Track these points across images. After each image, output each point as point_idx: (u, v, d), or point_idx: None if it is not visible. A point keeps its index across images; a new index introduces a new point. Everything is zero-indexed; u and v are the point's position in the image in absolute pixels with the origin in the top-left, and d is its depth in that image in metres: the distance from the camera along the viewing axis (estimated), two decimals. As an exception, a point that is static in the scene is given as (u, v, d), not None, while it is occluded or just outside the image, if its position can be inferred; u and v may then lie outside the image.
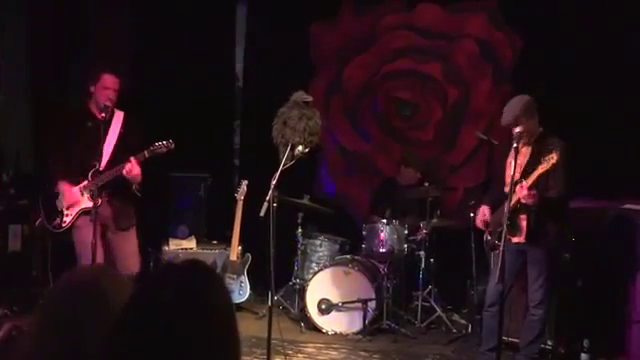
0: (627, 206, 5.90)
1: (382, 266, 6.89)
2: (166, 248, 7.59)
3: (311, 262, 7.16)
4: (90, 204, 5.45)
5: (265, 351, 5.14)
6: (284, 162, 5.11)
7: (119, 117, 5.71)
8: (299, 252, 7.15)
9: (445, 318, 6.85)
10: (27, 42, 8.15)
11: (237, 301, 6.90)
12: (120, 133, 5.65)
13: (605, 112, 7.07)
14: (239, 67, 8.87)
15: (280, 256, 5.31)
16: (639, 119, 6.93)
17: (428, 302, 6.96)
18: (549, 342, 5.86)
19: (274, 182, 5.01)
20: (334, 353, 6.09)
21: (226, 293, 1.75)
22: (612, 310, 5.85)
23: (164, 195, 7.83)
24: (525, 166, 5.16)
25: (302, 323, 6.74)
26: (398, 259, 6.94)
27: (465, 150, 8.13)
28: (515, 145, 5.06)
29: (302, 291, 6.86)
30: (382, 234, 6.90)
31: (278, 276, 5.52)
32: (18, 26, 8.08)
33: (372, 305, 6.51)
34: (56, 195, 5.62)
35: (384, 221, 6.93)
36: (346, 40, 8.49)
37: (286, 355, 5.73)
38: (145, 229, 6.01)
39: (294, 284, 7.14)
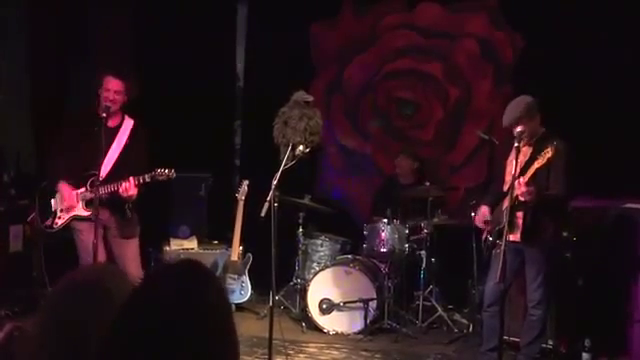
0: (628, 205, 5.90)
1: (383, 266, 6.90)
2: (167, 248, 7.59)
3: (312, 262, 7.16)
4: (85, 213, 5.45)
5: (266, 351, 5.14)
6: (285, 162, 5.11)
7: (128, 125, 5.65)
8: (300, 252, 7.15)
9: (446, 318, 6.85)
10: (27, 42, 8.15)
11: (238, 301, 6.91)
12: (126, 144, 5.59)
13: (605, 112, 7.06)
14: (240, 67, 8.86)
15: (281, 256, 5.31)
16: (639, 119, 6.93)
17: (429, 302, 6.96)
18: (550, 341, 5.87)
19: (275, 182, 5.02)
20: (335, 353, 6.10)
21: (223, 293, 1.74)
22: (613, 309, 5.86)
23: (165, 195, 7.82)
24: (524, 165, 5.15)
25: (303, 323, 6.74)
26: (399, 259, 6.93)
27: (466, 150, 8.12)
28: (516, 145, 5.05)
29: (303, 291, 6.86)
30: (383, 234, 6.90)
31: (279, 276, 5.52)
32: (18, 26, 8.08)
33: (373, 305, 6.51)
34: (53, 195, 5.59)
35: (385, 221, 6.93)
36: (347, 40, 8.48)
37: (287, 355, 5.73)
38: (146, 229, 6.00)
39: (295, 284, 7.14)
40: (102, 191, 5.35)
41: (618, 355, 5.77)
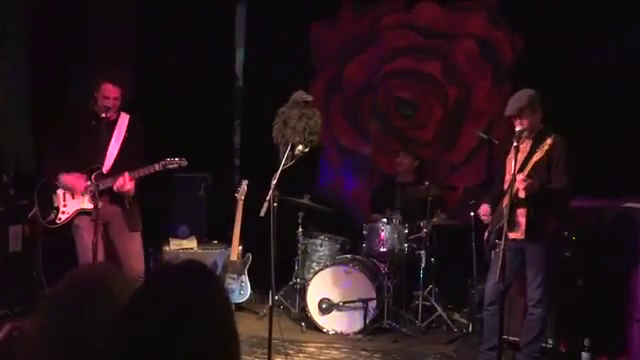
0: (628, 205, 5.90)
1: (383, 265, 6.90)
2: (167, 248, 7.59)
3: (312, 262, 7.16)
4: (90, 206, 5.44)
5: (266, 351, 5.14)
6: (284, 162, 5.11)
7: (124, 120, 5.73)
8: (299, 252, 7.15)
9: (446, 317, 6.85)
10: (27, 42, 8.15)
11: (238, 301, 6.90)
12: (124, 137, 5.67)
13: (605, 112, 7.06)
14: (239, 67, 8.87)
15: (281, 256, 5.32)
16: (639, 119, 6.93)
17: (429, 301, 6.95)
18: (550, 341, 5.87)
19: (274, 182, 5.02)
20: (335, 353, 6.10)
21: (224, 293, 1.75)
22: (613, 309, 5.85)
23: (164, 195, 7.82)
24: (523, 160, 5.15)
25: (303, 323, 6.74)
26: (399, 258, 6.94)
27: (465, 149, 8.12)
28: (515, 144, 5.06)
29: (303, 291, 6.86)
30: (382, 233, 6.90)
31: (279, 276, 5.52)
32: (18, 26, 8.07)
33: (373, 304, 6.51)
34: (54, 190, 5.59)
35: (384, 220, 6.93)
36: (346, 40, 8.49)
37: (287, 355, 5.73)
38: (145, 229, 6.00)
39: (295, 284, 7.14)
40: (102, 185, 5.42)
41: (618, 355, 5.77)
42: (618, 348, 5.77)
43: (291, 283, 7.20)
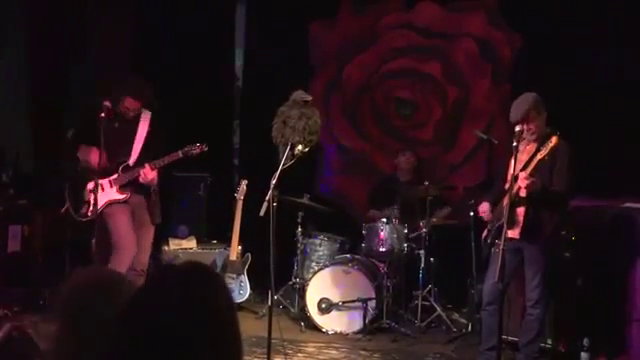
0: (627, 205, 5.90)
1: (382, 265, 6.90)
2: (166, 248, 7.59)
3: (311, 261, 7.16)
4: (120, 196, 5.92)
5: (265, 350, 5.14)
6: (284, 161, 5.10)
7: (147, 116, 6.07)
8: (299, 251, 7.15)
9: (445, 317, 6.85)
10: (26, 42, 8.15)
11: (237, 301, 6.89)
12: (148, 132, 6.04)
13: (604, 112, 7.07)
14: (238, 67, 8.86)
15: (280, 255, 5.31)
16: (638, 119, 6.93)
17: (428, 301, 6.95)
18: (549, 341, 5.86)
19: (274, 181, 5.01)
20: (334, 352, 6.10)
21: (227, 293, 1.75)
22: (612, 309, 5.85)
23: (164, 195, 7.82)
24: (528, 160, 5.14)
25: (302, 322, 6.74)
26: (398, 258, 6.94)
27: (465, 149, 8.13)
28: (515, 144, 5.05)
29: (302, 290, 6.86)
30: (382, 233, 6.90)
31: (278, 275, 5.52)
32: (18, 26, 8.07)
33: (372, 304, 6.51)
34: (83, 186, 5.87)
35: (384, 220, 6.93)
36: (345, 39, 8.49)
37: (286, 354, 5.72)
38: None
39: (294, 283, 7.14)
40: (129, 176, 5.89)
41: (617, 354, 5.77)
42: (617, 348, 5.77)
43: (290, 283, 7.19)
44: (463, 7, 8.11)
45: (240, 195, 7.05)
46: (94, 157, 5.81)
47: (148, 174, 5.81)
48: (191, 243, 7.73)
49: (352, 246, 7.30)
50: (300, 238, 7.16)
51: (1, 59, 7.80)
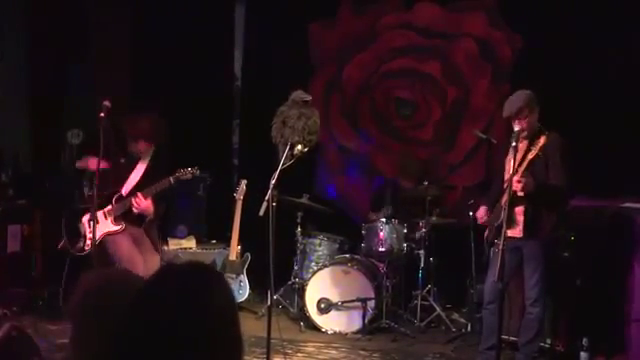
0: (626, 204, 5.90)
1: (381, 265, 6.90)
2: (165, 248, 7.57)
3: (310, 261, 7.16)
4: (115, 227, 5.88)
5: (265, 350, 5.15)
6: (283, 161, 5.11)
7: (149, 150, 6.04)
8: (298, 251, 7.15)
9: (444, 317, 6.85)
10: (26, 42, 8.15)
11: (236, 300, 6.89)
12: (148, 166, 6.03)
13: (603, 112, 7.07)
14: (238, 66, 8.86)
15: (279, 255, 5.31)
16: (638, 119, 6.93)
17: (427, 301, 6.95)
18: (548, 340, 5.87)
19: (273, 181, 5.01)
20: (333, 352, 6.10)
21: (228, 293, 1.75)
22: (611, 309, 5.85)
23: (163, 195, 7.83)
24: (520, 159, 5.16)
25: (301, 322, 6.74)
26: (397, 258, 6.94)
27: (464, 149, 8.13)
28: (514, 144, 5.06)
29: (301, 290, 6.86)
30: (381, 233, 6.90)
31: (277, 275, 5.52)
32: (17, 26, 8.08)
33: (371, 304, 6.51)
34: (79, 219, 5.91)
35: (383, 220, 6.94)
36: (345, 39, 8.48)
37: (285, 354, 5.73)
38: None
39: (293, 283, 7.14)
40: (121, 207, 5.86)
41: (616, 354, 5.77)
42: (616, 348, 5.77)
43: (290, 283, 7.19)
44: (463, 7, 8.11)
45: (239, 195, 7.06)
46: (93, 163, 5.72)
47: (140, 203, 5.77)
48: (190, 243, 7.73)
49: (351, 246, 7.29)
50: (299, 238, 7.16)
51: (1, 59, 7.80)
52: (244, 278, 7.07)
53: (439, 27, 8.18)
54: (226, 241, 7.30)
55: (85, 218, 5.87)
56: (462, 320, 6.95)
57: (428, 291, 7.02)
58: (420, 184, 7.08)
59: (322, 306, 6.64)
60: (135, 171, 6.00)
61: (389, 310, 6.71)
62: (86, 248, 5.80)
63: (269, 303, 5.08)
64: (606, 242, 5.94)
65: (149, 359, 1.60)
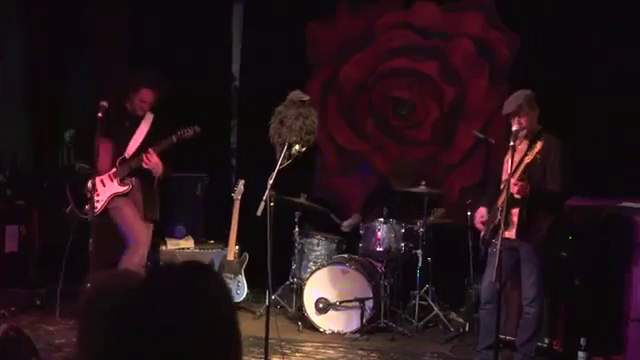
0: (624, 204, 5.91)
1: (379, 265, 6.89)
2: (163, 248, 7.58)
3: (308, 261, 7.16)
4: (122, 188, 6.01)
5: (263, 350, 5.14)
6: (281, 161, 5.11)
7: (149, 117, 6.21)
8: (296, 251, 7.15)
9: (442, 317, 6.85)
10: (25, 42, 8.15)
11: (235, 301, 6.89)
12: (149, 131, 6.16)
13: (602, 111, 7.08)
14: (236, 66, 8.86)
15: (277, 255, 5.31)
16: (637, 119, 6.94)
17: (425, 301, 6.96)
18: (546, 340, 5.87)
19: (271, 181, 5.01)
20: (331, 352, 6.10)
21: (227, 293, 1.75)
22: (609, 308, 5.86)
23: (161, 194, 7.82)
24: (519, 162, 5.17)
25: (299, 322, 6.74)
26: (395, 258, 6.94)
27: (462, 149, 8.13)
28: (512, 144, 5.07)
29: (299, 290, 6.86)
30: (379, 233, 6.90)
31: (275, 275, 5.52)
32: (16, 26, 8.07)
33: (369, 304, 6.51)
34: (84, 184, 5.85)
35: (381, 220, 6.93)
36: (343, 39, 8.48)
37: (284, 354, 5.73)
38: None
39: (291, 283, 7.14)
40: (130, 164, 6.01)
41: (614, 354, 5.77)
42: (614, 348, 5.78)
43: (288, 282, 7.19)
44: (460, 7, 8.11)
45: (237, 195, 7.06)
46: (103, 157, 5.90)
47: (152, 158, 5.91)
48: (188, 243, 7.73)
49: (349, 246, 7.29)
50: (297, 238, 7.16)
51: (0, 59, 7.80)
52: (242, 278, 7.07)
53: (437, 27, 8.18)
54: (224, 241, 7.29)
55: (89, 182, 5.77)
56: (460, 320, 6.95)
57: (426, 291, 7.02)
58: (416, 185, 7.07)
59: (320, 306, 6.64)
60: (138, 132, 6.12)
61: (387, 310, 6.70)
62: (94, 210, 5.73)
63: (267, 303, 5.08)
64: (604, 242, 5.94)
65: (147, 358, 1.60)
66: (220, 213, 7.59)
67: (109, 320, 1.94)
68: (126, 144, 6.08)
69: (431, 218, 7.02)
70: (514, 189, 5.01)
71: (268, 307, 5.08)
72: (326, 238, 7.24)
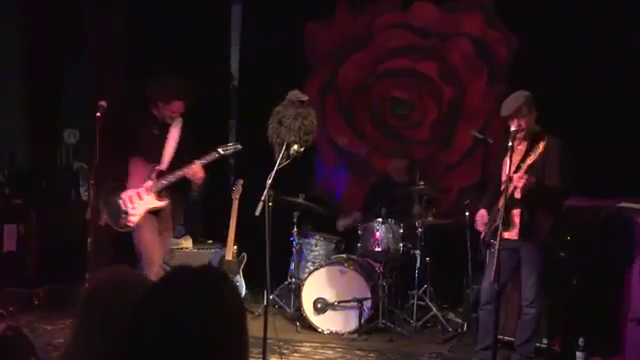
0: (623, 204, 5.91)
1: (378, 265, 6.89)
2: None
3: (307, 261, 7.16)
4: (159, 203, 5.88)
5: (261, 350, 5.14)
6: (279, 161, 5.10)
7: (179, 122, 6.07)
8: (295, 251, 7.15)
9: (441, 317, 6.85)
10: (23, 41, 8.14)
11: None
12: (180, 137, 6.03)
13: (601, 112, 7.08)
14: (234, 66, 8.86)
15: (276, 255, 5.30)
16: (636, 119, 6.94)
17: (424, 301, 6.96)
18: (544, 340, 5.87)
19: (269, 181, 5.01)
20: (330, 352, 6.10)
21: (237, 294, 1.78)
22: (607, 309, 5.86)
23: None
24: (519, 162, 5.17)
25: (298, 322, 6.74)
26: (394, 258, 6.94)
27: (461, 149, 8.14)
28: (510, 144, 5.07)
29: (298, 290, 6.87)
30: (378, 233, 6.91)
31: (274, 275, 5.51)
32: (14, 26, 8.06)
33: (368, 304, 6.51)
34: (117, 195, 5.81)
35: (379, 220, 6.94)
36: (342, 39, 8.49)
37: (282, 354, 5.73)
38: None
39: (290, 283, 7.14)
40: (171, 178, 5.83)
41: (612, 354, 5.77)
42: (613, 348, 5.78)
43: (286, 283, 7.19)
44: (459, 7, 8.12)
45: (236, 195, 7.05)
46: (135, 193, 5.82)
47: (199, 171, 5.80)
48: (187, 242, 7.72)
49: (348, 246, 7.29)
50: (296, 238, 7.16)
51: None
52: (240, 278, 7.06)
53: (435, 27, 8.20)
54: (222, 241, 7.28)
55: (125, 194, 5.80)
56: (458, 320, 6.95)
57: (424, 291, 7.03)
58: (415, 184, 7.08)
59: (318, 306, 6.64)
60: (169, 141, 5.97)
61: (385, 310, 6.70)
62: (129, 224, 5.74)
63: (265, 303, 5.08)
64: (603, 242, 5.94)
65: (156, 358, 1.61)
66: (218, 213, 7.59)
67: (108, 318, 1.94)
68: (158, 152, 5.93)
69: (429, 218, 7.02)
70: (520, 183, 5.01)
71: (266, 307, 5.07)
72: (325, 238, 7.24)
